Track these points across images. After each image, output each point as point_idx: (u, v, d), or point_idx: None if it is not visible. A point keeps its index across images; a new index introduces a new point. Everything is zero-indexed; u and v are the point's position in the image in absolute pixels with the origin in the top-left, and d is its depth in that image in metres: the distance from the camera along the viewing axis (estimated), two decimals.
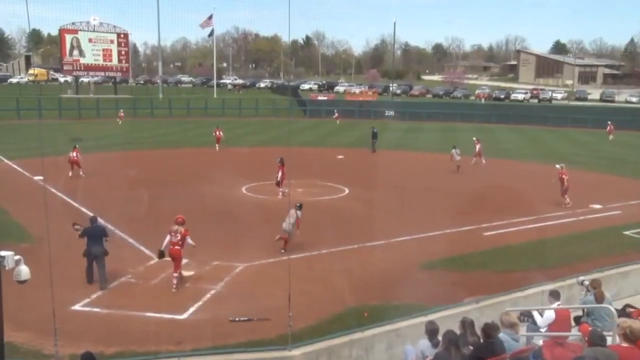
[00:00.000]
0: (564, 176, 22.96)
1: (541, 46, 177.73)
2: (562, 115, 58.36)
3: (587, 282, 10.44)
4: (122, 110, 54.50)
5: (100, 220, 15.19)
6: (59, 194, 22.11)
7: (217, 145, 36.41)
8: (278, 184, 23.23)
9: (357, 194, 24.52)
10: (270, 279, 14.03)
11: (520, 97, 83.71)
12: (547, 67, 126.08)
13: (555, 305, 9.67)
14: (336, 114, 56.59)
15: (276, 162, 23.29)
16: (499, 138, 46.82)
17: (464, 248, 17.05)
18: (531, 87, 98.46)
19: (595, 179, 28.90)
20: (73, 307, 12.30)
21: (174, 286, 13.42)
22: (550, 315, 9.44)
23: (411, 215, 21.05)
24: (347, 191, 25.02)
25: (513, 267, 15.45)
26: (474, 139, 33.66)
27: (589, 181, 27.67)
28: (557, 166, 23.78)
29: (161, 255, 13.82)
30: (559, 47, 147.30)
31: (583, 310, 10.25)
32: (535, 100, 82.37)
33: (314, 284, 13.94)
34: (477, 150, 32.66)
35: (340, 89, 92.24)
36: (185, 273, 14.38)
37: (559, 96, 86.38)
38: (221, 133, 36.90)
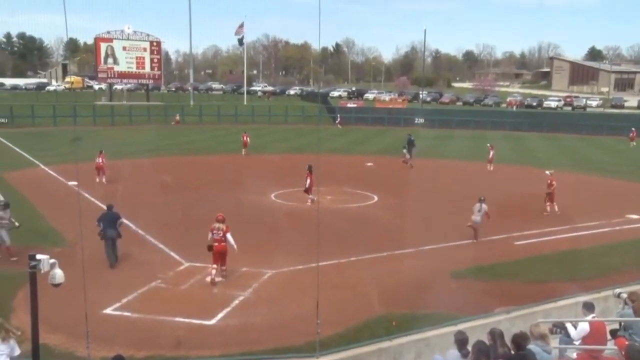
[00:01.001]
0: (553, 182, 22.57)
1: (575, 53, 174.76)
2: (598, 123, 57.08)
3: (624, 295, 10.16)
4: (177, 115, 58.10)
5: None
6: (92, 199, 22.52)
7: (243, 150, 37.13)
8: (307, 191, 23.28)
9: (386, 201, 24.41)
10: (299, 285, 14.04)
11: (553, 104, 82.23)
12: (581, 74, 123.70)
13: (589, 317, 9.44)
14: (338, 119, 58.59)
15: (305, 170, 23.36)
16: (531, 146, 46.12)
17: (495, 257, 16.83)
18: (565, 94, 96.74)
19: (633, 188, 28.21)
20: (104, 311, 12.50)
21: (222, 279, 14.42)
22: (584, 327, 9.22)
23: (441, 223, 20.85)
24: (376, 199, 24.93)
25: (545, 278, 15.16)
26: (488, 145, 34.04)
27: (625, 190, 27.04)
28: (547, 172, 23.41)
29: (210, 249, 14.56)
30: (594, 54, 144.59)
31: (620, 324, 9.97)
32: (569, 108, 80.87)
33: (343, 292, 13.90)
34: (490, 156, 32.95)
35: (369, 96, 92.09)
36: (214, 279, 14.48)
37: (594, 104, 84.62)
38: (248, 138, 37.67)
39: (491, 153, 33.04)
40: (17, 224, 16.22)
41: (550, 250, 17.66)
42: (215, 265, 14.40)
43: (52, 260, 6.95)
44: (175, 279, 14.60)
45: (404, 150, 34.91)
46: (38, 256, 6.87)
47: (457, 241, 18.40)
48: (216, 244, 14.36)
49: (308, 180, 23.09)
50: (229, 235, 14.40)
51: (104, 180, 26.57)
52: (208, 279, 14.32)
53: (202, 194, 25.01)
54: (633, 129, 48.24)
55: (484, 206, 18.40)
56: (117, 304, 12.92)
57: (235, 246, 14.43)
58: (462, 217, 21.78)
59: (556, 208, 22.48)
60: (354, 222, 20.95)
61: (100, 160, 26.68)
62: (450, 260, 16.50)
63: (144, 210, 21.36)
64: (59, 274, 7.02)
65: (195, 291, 13.86)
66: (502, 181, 29.77)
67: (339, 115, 59.64)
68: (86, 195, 22.69)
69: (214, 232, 14.42)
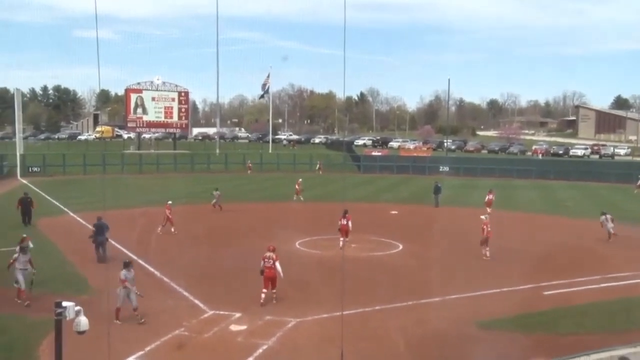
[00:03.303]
0: (486, 227, 22.32)
1: (601, 101, 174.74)
2: (627, 171, 56.13)
3: None
4: (249, 161, 60.33)
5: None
6: (119, 246, 22.72)
7: (295, 196, 38.33)
8: (345, 233, 23.36)
9: (411, 249, 24.15)
10: (323, 335, 13.82)
11: (580, 152, 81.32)
12: (608, 122, 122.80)
13: None
14: (319, 165, 59.36)
15: (341, 214, 23.50)
16: (559, 195, 45.48)
17: (524, 307, 16.37)
18: (591, 142, 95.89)
19: None
20: (127, 359, 12.41)
21: (262, 300, 16.14)
22: None
23: (467, 272, 20.47)
24: (401, 247, 24.68)
25: (577, 329, 14.70)
26: (489, 189, 34.97)
27: None
28: (482, 217, 23.24)
29: (262, 273, 16.47)
30: (620, 102, 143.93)
31: None
32: (596, 156, 79.93)
33: (368, 342, 13.63)
34: (486, 199, 33.37)
35: (394, 144, 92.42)
36: (237, 327, 14.38)
37: (622, 152, 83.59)
38: (299, 187, 38.76)
39: (488, 197, 33.55)
40: (33, 270, 16.42)
41: (581, 301, 17.14)
42: (265, 290, 16.25)
43: (78, 308, 6.99)
44: (199, 327, 14.49)
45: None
46: (64, 303, 6.91)
47: (484, 290, 18.01)
48: (267, 270, 16.27)
49: (345, 222, 23.31)
50: (277, 264, 16.26)
51: (172, 229, 26.45)
52: (262, 299, 16.10)
53: (226, 243, 25.08)
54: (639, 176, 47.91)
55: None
56: (140, 352, 12.82)
57: (281, 273, 16.31)
58: (486, 265, 21.43)
59: (487, 253, 22.28)
60: (378, 271, 20.70)
61: (168, 212, 26.68)
62: (477, 310, 16.12)
63: (171, 258, 21.48)
64: (83, 322, 7.05)
65: (219, 340, 13.73)
66: (527, 231, 29.28)
67: (319, 162, 60.48)
68: (113, 242, 22.92)
69: (265, 260, 16.37)
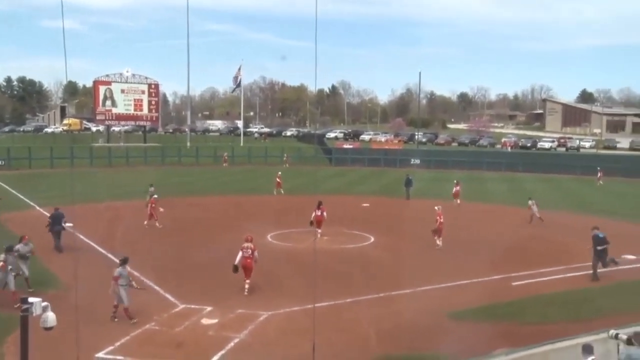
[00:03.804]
0: (439, 218, 23.15)
1: (567, 95, 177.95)
2: (591, 164, 57.43)
3: (624, 336, 9.97)
4: (226, 154, 59.61)
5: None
6: (88, 240, 22.40)
7: (275, 189, 38.27)
8: (316, 224, 23.71)
9: (382, 242, 24.35)
10: (296, 328, 13.87)
11: (547, 145, 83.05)
12: (574, 116, 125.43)
13: None
14: (285, 157, 59.25)
15: (315, 206, 23.85)
16: (528, 187, 46.27)
17: (492, 298, 16.68)
18: (558, 135, 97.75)
19: (626, 228, 28.17)
20: (97, 355, 12.24)
21: (246, 291, 16.48)
22: None
23: (437, 263, 20.75)
24: (372, 239, 24.86)
25: (543, 319, 15.03)
26: (455, 181, 36.30)
27: (620, 231, 26.96)
28: (436, 208, 23.96)
29: (235, 269, 16.80)
30: (585, 96, 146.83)
31: None
32: (563, 149, 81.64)
33: (340, 334, 13.72)
34: (454, 191, 34.88)
35: (366, 137, 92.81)
36: (208, 321, 14.33)
37: (587, 145, 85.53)
38: (280, 180, 38.65)
39: (455, 188, 34.90)
40: (26, 272, 16.19)
41: (548, 291, 17.53)
42: (248, 280, 16.63)
43: (45, 303, 6.88)
44: (170, 322, 14.40)
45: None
46: (30, 299, 6.80)
47: (454, 282, 18.27)
48: (245, 260, 16.68)
49: (319, 213, 23.68)
50: (256, 253, 16.91)
51: (157, 224, 26.34)
52: (246, 290, 16.48)
53: (196, 236, 24.92)
54: (599, 168, 49.53)
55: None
56: (111, 347, 12.69)
57: (257, 260, 16.89)
58: (457, 257, 21.74)
59: (439, 242, 23.00)
60: (350, 263, 20.83)
61: (153, 206, 26.46)
62: (447, 301, 16.35)
63: (140, 251, 21.23)
64: (50, 317, 6.94)
65: (190, 334, 13.66)
66: (499, 223, 29.78)
67: (285, 155, 60.48)
68: (81, 237, 22.56)
69: (244, 250, 16.76)
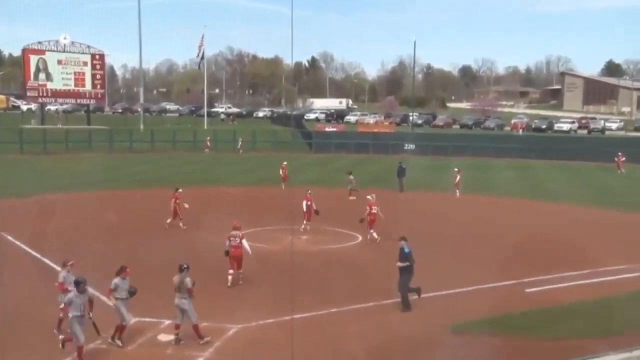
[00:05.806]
0: (371, 208, 24.25)
1: (590, 67, 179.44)
2: (618, 149, 57.84)
3: None
4: (208, 138, 60.87)
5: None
6: (17, 242, 22.11)
7: (282, 183, 38.26)
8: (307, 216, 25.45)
9: (371, 241, 24.38)
10: (270, 343, 13.88)
11: (565, 127, 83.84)
12: (598, 92, 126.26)
13: None
14: (240, 143, 61.20)
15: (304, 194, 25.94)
16: (541, 176, 46.72)
17: (502, 307, 16.77)
18: (579, 115, 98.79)
19: None
20: None
21: (229, 282, 17.87)
22: None
23: (436, 267, 20.80)
24: (360, 238, 24.89)
25: (564, 333, 15.13)
26: (455, 169, 36.99)
27: None
28: (368, 197, 25.03)
29: (227, 254, 18.07)
30: (611, 69, 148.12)
31: None
32: (585, 132, 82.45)
33: (323, 350, 13.76)
34: (456, 180, 35.89)
35: (351, 118, 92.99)
36: (166, 337, 14.24)
37: (614, 126, 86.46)
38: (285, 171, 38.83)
39: (457, 177, 35.87)
40: None
41: (569, 299, 17.59)
42: (231, 271, 17.88)
43: None
44: (122, 338, 14.24)
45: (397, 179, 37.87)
46: None
47: (457, 288, 18.40)
48: (233, 249, 17.85)
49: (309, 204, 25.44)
50: (244, 241, 18.02)
51: (180, 224, 26.24)
52: (229, 282, 17.84)
53: (150, 235, 24.73)
54: (619, 153, 50.45)
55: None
56: None
57: (250, 251, 18.22)
58: (459, 259, 21.84)
59: (375, 235, 24.02)
60: (334, 267, 20.86)
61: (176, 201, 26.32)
62: (450, 311, 16.43)
63: (84, 254, 20.98)
64: None
65: (145, 352, 13.58)
66: (506, 219, 30.03)
67: (240, 139, 61.44)
68: (9, 237, 22.28)
69: (231, 239, 17.93)
